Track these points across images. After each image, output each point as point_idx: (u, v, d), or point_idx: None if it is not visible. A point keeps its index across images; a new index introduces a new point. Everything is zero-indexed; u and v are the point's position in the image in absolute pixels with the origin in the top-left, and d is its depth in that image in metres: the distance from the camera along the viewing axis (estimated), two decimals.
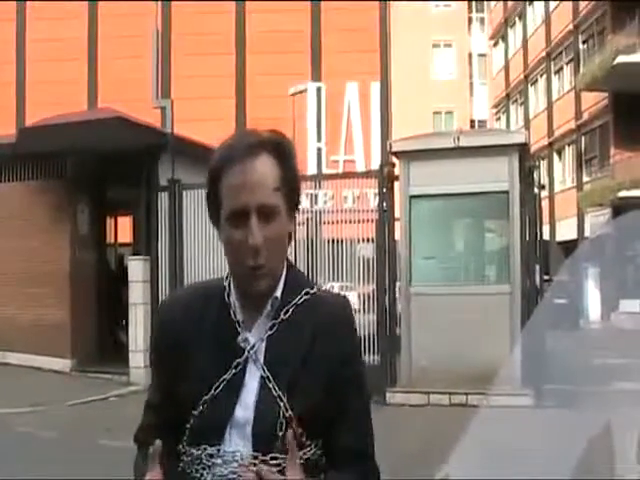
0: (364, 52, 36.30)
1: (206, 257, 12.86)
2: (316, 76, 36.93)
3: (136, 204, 14.87)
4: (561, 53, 35.75)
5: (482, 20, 49.95)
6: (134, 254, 15.19)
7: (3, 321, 15.05)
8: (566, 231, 32.16)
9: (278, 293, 1.77)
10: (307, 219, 13.01)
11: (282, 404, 1.69)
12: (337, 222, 13.11)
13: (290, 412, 1.69)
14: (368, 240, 12.57)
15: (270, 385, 1.70)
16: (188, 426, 1.73)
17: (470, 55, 49.20)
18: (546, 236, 20.96)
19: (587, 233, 29.85)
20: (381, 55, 37.93)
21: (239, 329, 1.75)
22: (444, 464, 4.31)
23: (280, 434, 1.68)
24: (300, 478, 1.64)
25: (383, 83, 37.58)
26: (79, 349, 14.66)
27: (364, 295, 12.49)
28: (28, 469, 7.44)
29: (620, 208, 24.56)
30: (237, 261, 1.72)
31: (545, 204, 20.24)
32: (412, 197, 11.97)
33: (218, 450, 1.70)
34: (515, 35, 43.25)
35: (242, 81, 37.37)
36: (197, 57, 35.72)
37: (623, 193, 26.17)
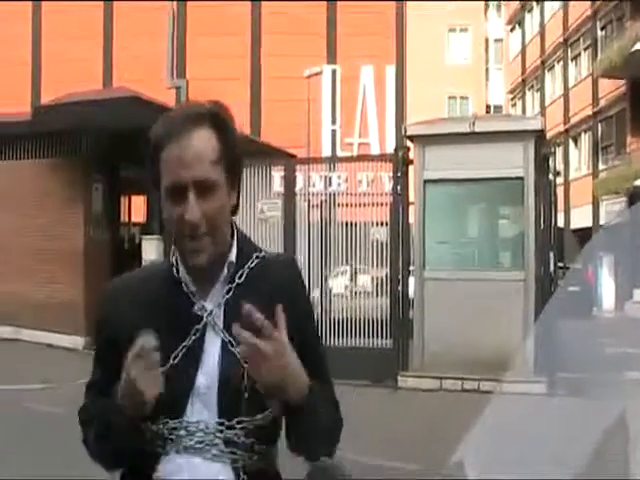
0: (380, 35, 36.12)
1: None
2: (331, 59, 36.79)
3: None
4: (578, 39, 35.46)
5: (499, 5, 49.65)
6: (147, 233, 15.21)
7: (16, 297, 15.09)
8: (581, 219, 32.01)
9: (233, 257, 1.76)
10: (321, 201, 12.98)
11: (246, 366, 1.65)
12: (351, 205, 13.09)
13: None
14: (382, 224, 12.52)
15: (233, 349, 1.68)
16: None
17: (486, 40, 48.96)
18: (560, 223, 20.87)
19: (602, 221, 29.70)
20: (397, 39, 37.74)
21: (194, 299, 1.74)
22: (457, 450, 4.29)
23: (246, 396, 1.67)
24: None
25: (398, 67, 37.41)
26: (91, 327, 14.70)
27: (377, 279, 12.49)
28: (37, 446, 7.47)
29: (636, 197, 24.43)
30: (177, 236, 1.70)
31: (560, 191, 20.12)
32: (426, 181, 11.90)
33: (181, 422, 1.68)
34: (532, 20, 42.93)
35: (257, 62, 37.24)
36: (212, 38, 35.58)
37: (639, 182, 26.00)
